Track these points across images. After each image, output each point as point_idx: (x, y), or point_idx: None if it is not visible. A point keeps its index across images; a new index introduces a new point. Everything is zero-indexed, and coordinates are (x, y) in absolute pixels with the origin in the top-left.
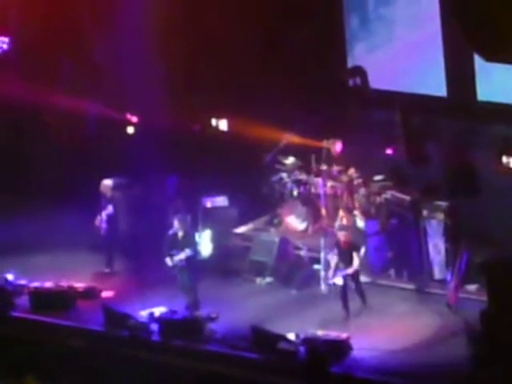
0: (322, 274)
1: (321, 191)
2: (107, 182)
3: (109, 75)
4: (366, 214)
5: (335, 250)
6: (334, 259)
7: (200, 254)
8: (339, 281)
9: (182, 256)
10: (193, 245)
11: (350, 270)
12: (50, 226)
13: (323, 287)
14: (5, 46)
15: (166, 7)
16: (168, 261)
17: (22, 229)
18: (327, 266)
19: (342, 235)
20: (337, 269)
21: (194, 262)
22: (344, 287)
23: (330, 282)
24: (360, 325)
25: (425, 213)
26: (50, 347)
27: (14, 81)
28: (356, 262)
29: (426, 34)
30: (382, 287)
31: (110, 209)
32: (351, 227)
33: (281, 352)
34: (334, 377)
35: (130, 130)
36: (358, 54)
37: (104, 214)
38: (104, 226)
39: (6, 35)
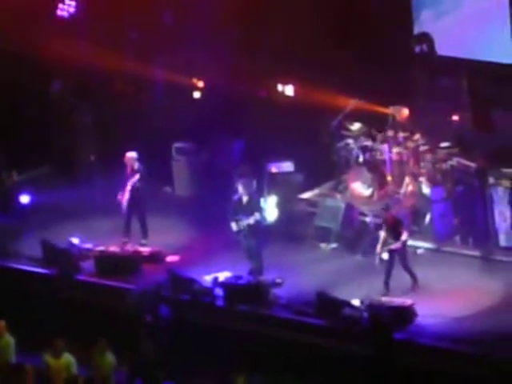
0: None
1: (386, 157)
2: (131, 154)
3: (175, 39)
4: (432, 181)
5: (383, 226)
6: (382, 235)
7: (265, 220)
8: (385, 256)
9: (251, 220)
10: (257, 210)
11: (393, 246)
12: (116, 191)
13: (376, 260)
14: (72, 10)
15: None
16: (233, 225)
17: (88, 193)
18: None
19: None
20: (384, 244)
21: (258, 227)
22: (390, 262)
23: (379, 256)
24: (425, 292)
25: (491, 180)
26: (115, 311)
27: (80, 44)
28: (403, 237)
29: (494, 1)
30: (446, 254)
31: (134, 180)
32: (417, 193)
33: (345, 318)
34: (397, 343)
35: (196, 94)
36: (425, 21)
37: (129, 185)
38: (127, 196)
39: None
